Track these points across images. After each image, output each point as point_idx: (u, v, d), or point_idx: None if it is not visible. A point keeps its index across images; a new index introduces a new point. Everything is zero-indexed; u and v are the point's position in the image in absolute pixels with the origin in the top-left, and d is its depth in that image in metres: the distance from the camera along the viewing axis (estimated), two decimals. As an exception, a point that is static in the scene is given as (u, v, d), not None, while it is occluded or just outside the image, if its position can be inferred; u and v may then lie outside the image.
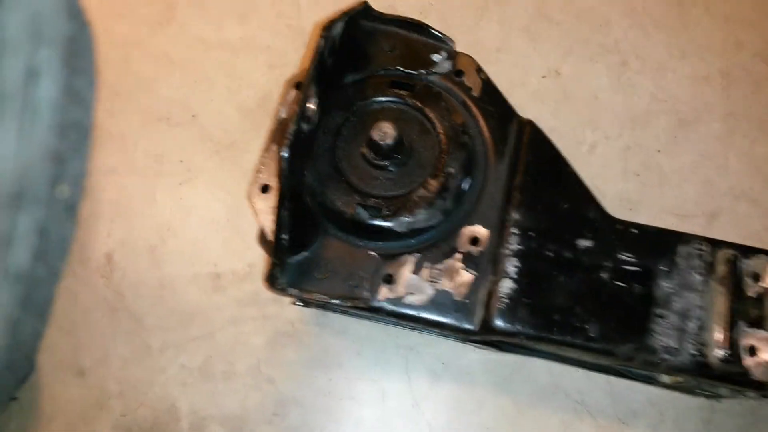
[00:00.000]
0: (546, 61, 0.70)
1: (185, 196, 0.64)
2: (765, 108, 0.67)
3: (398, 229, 0.50)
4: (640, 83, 0.68)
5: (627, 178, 0.64)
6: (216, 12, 0.71)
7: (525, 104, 0.67)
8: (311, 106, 0.49)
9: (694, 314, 0.47)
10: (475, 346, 0.57)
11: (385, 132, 0.49)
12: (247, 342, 0.58)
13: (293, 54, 0.70)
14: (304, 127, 0.48)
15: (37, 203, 0.22)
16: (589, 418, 0.56)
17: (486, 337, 0.48)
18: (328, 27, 0.50)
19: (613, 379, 0.57)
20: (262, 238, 0.54)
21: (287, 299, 0.59)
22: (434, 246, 0.50)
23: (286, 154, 0.43)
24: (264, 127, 0.66)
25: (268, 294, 0.60)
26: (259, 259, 0.61)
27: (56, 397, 0.57)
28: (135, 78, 0.69)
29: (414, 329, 0.56)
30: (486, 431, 0.56)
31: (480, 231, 0.51)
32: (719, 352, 0.46)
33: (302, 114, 0.46)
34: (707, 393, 0.55)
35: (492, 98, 0.55)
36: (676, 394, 0.57)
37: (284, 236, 0.46)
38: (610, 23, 0.72)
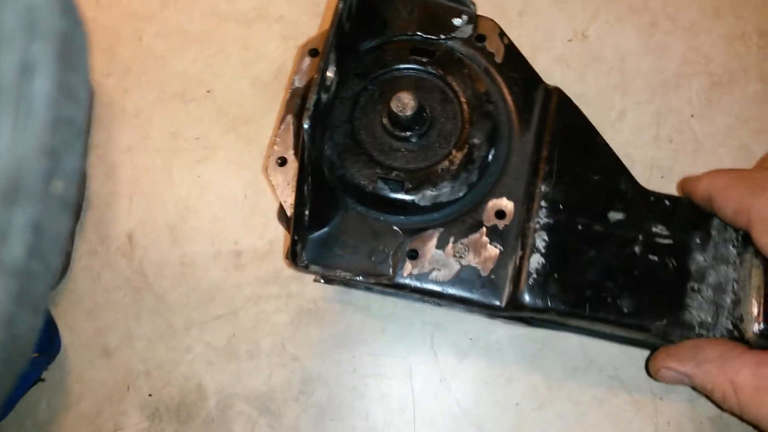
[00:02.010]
0: (572, 24, 0.66)
1: (203, 174, 0.63)
2: (805, 67, 0.64)
3: (422, 203, 0.48)
4: (671, 44, 0.65)
5: (659, 144, 0.62)
6: (228, -19, 0.69)
7: (550, 69, 0.65)
8: (330, 74, 0.47)
9: (729, 288, 0.46)
10: (504, 322, 0.56)
11: (405, 103, 0.47)
12: (270, 320, 0.58)
13: (307, 23, 0.68)
14: (327, 96, 0.46)
15: (32, 198, 0.22)
16: (624, 393, 0.54)
17: (515, 313, 0.47)
18: (344, -8, 0.48)
19: (648, 352, 0.55)
20: (282, 215, 0.53)
21: (309, 277, 0.58)
22: (458, 220, 0.49)
23: (307, 125, 0.42)
24: (280, 100, 0.65)
25: (289, 271, 0.59)
26: (279, 236, 0.60)
27: (83, 377, 0.58)
28: (147, 53, 0.67)
29: (439, 305, 0.55)
30: (515, 407, 0.55)
31: (506, 204, 0.49)
32: (756, 326, 0.44)
33: (322, 82, 0.45)
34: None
35: (516, 64, 0.53)
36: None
37: (306, 212, 0.45)
38: (640, -19, 0.68)
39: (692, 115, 0.62)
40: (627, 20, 0.66)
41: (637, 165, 0.61)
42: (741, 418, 0.44)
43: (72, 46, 0.23)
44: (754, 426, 0.44)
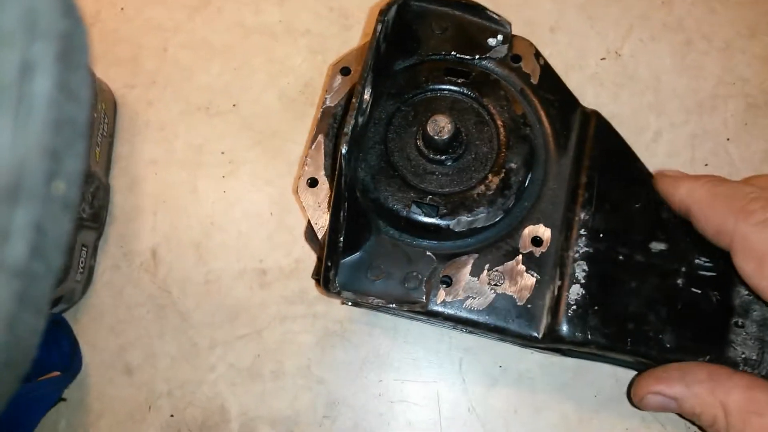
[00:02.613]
0: (605, 42, 0.65)
1: (228, 189, 0.62)
2: (843, 90, 0.62)
3: (457, 228, 0.47)
4: (706, 64, 0.64)
5: (695, 168, 0.60)
6: (255, -6, 0.68)
7: (583, 88, 0.64)
8: (366, 97, 0.46)
9: (776, 323, 0.44)
10: (535, 350, 0.54)
11: (442, 126, 0.46)
12: (296, 340, 0.57)
13: (334, 38, 0.66)
14: (363, 119, 0.45)
15: (34, 199, 0.22)
16: (658, 425, 0.53)
17: (553, 345, 0.46)
18: (385, 11, 0.47)
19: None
20: (310, 234, 0.51)
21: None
22: (493, 246, 0.48)
23: (344, 150, 0.41)
24: (306, 115, 0.64)
25: (315, 291, 0.58)
26: (305, 254, 0.59)
27: (104, 395, 0.57)
28: (173, 66, 0.66)
29: (471, 332, 0.53)
30: (544, 436, 0.53)
31: (542, 230, 0.48)
32: None
33: (360, 106, 0.43)
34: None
35: (552, 86, 0.52)
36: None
37: (340, 238, 0.44)
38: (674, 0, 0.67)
39: (728, 139, 0.61)
40: (661, 39, 0.65)
41: (672, 189, 0.59)
42: None
43: (73, 45, 0.23)
44: None
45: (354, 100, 0.42)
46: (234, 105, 0.64)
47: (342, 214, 0.43)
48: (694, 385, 0.42)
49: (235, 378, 0.56)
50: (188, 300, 0.58)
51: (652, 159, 0.60)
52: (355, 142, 0.46)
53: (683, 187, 0.45)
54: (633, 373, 0.53)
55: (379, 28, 0.45)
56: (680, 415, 0.48)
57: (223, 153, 0.63)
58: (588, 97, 0.63)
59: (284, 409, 0.55)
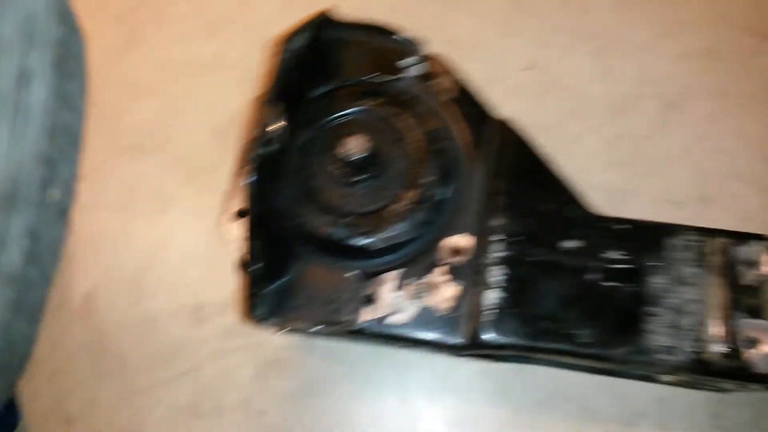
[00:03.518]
0: (524, 54, 0.67)
1: (163, 227, 0.62)
2: (755, 83, 0.65)
3: (376, 246, 0.48)
4: (622, 68, 0.66)
5: (616, 168, 0.62)
6: (182, 30, 0.69)
7: (505, 100, 0.65)
8: (276, 126, 0.47)
9: (689, 309, 0.45)
10: (471, 359, 0.55)
11: (353, 146, 0.47)
12: (235, 374, 0.56)
13: (264, 69, 0.68)
14: (272, 147, 0.46)
15: (29, 206, 0.21)
16: (595, 423, 0.53)
17: (475, 350, 0.46)
18: (288, 41, 0.48)
19: (616, 380, 0.54)
20: (243, 266, 0.52)
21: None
22: (415, 260, 0.48)
23: (252, 179, 0.42)
24: (238, 148, 0.65)
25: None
26: (240, 286, 0.59)
27: (46, 447, 0.56)
28: (102, 107, 0.67)
29: (403, 348, 0.54)
30: (489, 446, 0.53)
31: (462, 241, 0.49)
32: (718, 347, 0.44)
33: (264, 136, 0.45)
34: (713, 387, 0.53)
35: (466, 100, 0.53)
36: (682, 390, 0.54)
37: (258, 266, 0.44)
38: (588, 8, 0.69)
39: (647, 137, 0.63)
40: (577, 47, 0.67)
41: (596, 189, 0.60)
42: None
43: (69, 54, 0.23)
44: None
45: (256, 131, 0.43)
46: (166, 142, 0.65)
47: (256, 242, 0.43)
48: None
49: (176, 418, 0.56)
50: (124, 342, 0.58)
51: (575, 162, 0.61)
52: (270, 172, 0.47)
53: None
54: (567, 372, 0.53)
55: (283, 58, 0.47)
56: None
57: (157, 191, 0.63)
58: (510, 108, 0.64)
59: (227, 444, 0.55)
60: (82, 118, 0.23)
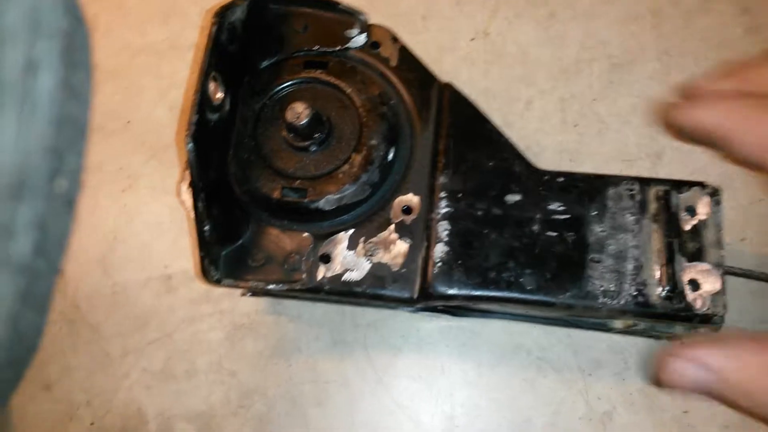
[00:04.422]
0: (473, 23, 0.69)
1: (128, 203, 0.64)
2: (698, 42, 0.67)
3: (327, 207, 0.50)
4: (569, 33, 0.68)
5: (566, 129, 0.64)
6: (138, 16, 0.71)
7: (456, 68, 0.68)
8: (216, 95, 0.49)
9: (630, 255, 0.47)
10: (431, 316, 0.57)
11: (299, 112, 0.49)
12: (205, 339, 0.59)
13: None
14: (211, 116, 0.48)
15: (37, 196, 0.22)
16: (553, 372, 0.56)
17: (426, 303, 0.49)
18: (220, 13, 0.50)
19: (573, 331, 0.57)
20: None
21: (240, 292, 0.59)
22: (368, 220, 0.50)
23: (190, 146, 0.44)
24: (199, 124, 0.66)
25: (220, 289, 0.60)
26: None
27: (25, 412, 0.58)
28: (66, 92, 0.68)
29: (361, 305, 0.56)
30: (450, 398, 0.56)
31: (411, 199, 0.51)
32: (660, 290, 0.46)
33: (200, 104, 0.46)
34: (665, 335, 0.55)
35: (410, 66, 0.55)
36: (638, 339, 0.57)
37: (206, 228, 0.46)
38: (537, -24, 0.71)
39: (594, 99, 0.65)
40: (525, 15, 0.69)
41: (547, 151, 0.63)
42: None
43: (75, 44, 0.24)
44: None
45: (194, 98, 0.45)
46: (128, 122, 0.67)
47: (201, 205, 0.45)
48: (743, 352, 0.32)
49: (149, 381, 0.58)
50: (97, 313, 0.60)
51: (527, 125, 0.64)
52: (214, 139, 0.49)
53: (711, 112, 0.37)
54: (524, 324, 0.56)
55: (215, 29, 0.48)
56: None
57: (120, 169, 0.65)
58: (462, 76, 0.67)
59: (199, 404, 0.57)
60: (89, 109, 0.24)
